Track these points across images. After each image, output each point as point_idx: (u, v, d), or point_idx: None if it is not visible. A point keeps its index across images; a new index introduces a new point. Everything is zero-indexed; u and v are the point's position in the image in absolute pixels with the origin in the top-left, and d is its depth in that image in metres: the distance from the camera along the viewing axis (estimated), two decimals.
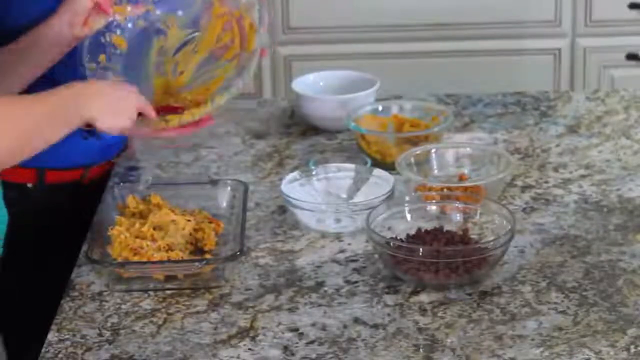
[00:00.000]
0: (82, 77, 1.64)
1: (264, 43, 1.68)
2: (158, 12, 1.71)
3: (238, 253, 1.54)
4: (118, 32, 1.69)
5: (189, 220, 1.61)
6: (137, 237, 1.57)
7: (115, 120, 1.50)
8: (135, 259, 1.53)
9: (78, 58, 1.66)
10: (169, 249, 1.56)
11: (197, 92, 1.68)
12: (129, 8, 1.67)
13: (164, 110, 1.61)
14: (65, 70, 1.66)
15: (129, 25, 1.70)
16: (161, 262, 1.53)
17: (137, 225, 1.59)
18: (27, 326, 1.73)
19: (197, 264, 1.53)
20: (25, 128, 1.40)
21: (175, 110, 1.61)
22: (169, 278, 1.54)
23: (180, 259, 1.55)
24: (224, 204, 1.70)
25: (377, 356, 1.38)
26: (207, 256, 1.59)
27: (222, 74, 1.66)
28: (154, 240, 1.57)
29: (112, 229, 1.57)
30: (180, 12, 1.72)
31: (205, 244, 1.61)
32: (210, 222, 1.63)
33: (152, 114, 1.55)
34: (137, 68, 1.69)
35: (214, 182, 1.73)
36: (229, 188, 1.71)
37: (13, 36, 1.64)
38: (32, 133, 1.41)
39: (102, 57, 1.67)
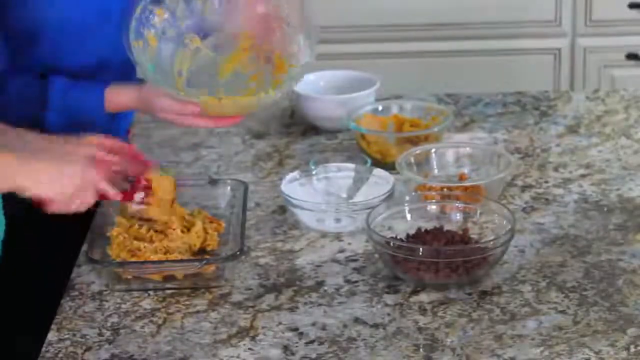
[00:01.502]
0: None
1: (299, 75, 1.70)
2: (188, 23, 1.71)
3: (238, 253, 1.54)
4: (152, 31, 1.68)
5: (187, 228, 1.60)
6: (135, 238, 1.57)
7: (53, 188, 1.45)
8: (133, 259, 1.53)
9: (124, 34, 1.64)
10: (167, 251, 1.56)
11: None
12: None
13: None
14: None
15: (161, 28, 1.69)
16: (160, 262, 1.53)
17: (136, 226, 1.59)
18: (29, 326, 1.73)
19: (196, 264, 1.53)
20: None
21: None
22: (167, 278, 1.54)
23: (179, 259, 1.55)
24: (224, 204, 1.70)
25: (377, 356, 1.38)
26: (207, 256, 1.59)
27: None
28: (151, 242, 1.56)
29: (112, 229, 1.57)
30: (208, 35, 1.71)
31: (208, 244, 1.61)
32: (211, 222, 1.63)
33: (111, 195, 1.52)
34: (164, 73, 1.69)
35: (213, 182, 1.73)
36: (228, 188, 1.71)
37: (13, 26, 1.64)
38: None
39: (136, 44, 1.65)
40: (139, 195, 1.58)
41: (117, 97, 1.71)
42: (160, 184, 1.60)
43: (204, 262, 1.53)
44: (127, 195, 1.58)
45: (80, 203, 1.49)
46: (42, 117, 1.70)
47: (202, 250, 1.61)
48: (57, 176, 1.46)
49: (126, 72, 1.78)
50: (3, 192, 1.47)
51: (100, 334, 1.45)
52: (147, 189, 1.59)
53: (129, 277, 1.53)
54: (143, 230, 1.58)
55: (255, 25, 1.70)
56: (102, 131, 1.61)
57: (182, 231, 1.60)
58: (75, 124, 1.68)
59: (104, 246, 1.57)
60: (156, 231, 1.59)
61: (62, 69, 1.72)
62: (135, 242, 1.56)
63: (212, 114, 1.65)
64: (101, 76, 1.75)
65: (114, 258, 1.55)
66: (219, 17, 1.72)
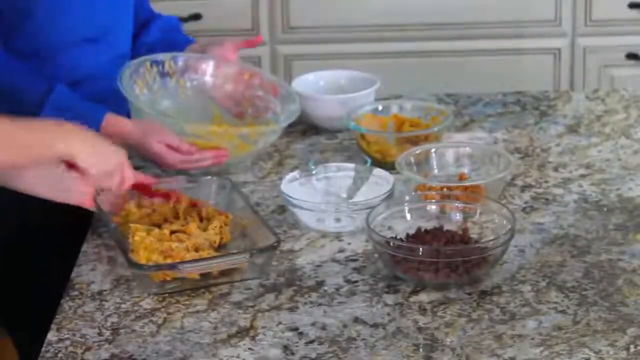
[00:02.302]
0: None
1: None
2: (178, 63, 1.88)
3: (276, 244, 1.53)
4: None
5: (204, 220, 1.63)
6: (159, 240, 1.56)
7: (98, 160, 1.48)
8: (168, 260, 1.52)
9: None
10: (197, 248, 1.56)
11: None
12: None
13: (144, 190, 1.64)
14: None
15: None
16: (215, 257, 1.53)
17: (157, 230, 1.59)
18: (30, 327, 1.73)
19: (245, 256, 1.52)
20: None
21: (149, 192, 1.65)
22: (203, 276, 1.53)
23: (227, 253, 1.55)
24: (212, 202, 1.69)
25: (377, 355, 1.38)
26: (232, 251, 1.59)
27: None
28: (180, 241, 1.56)
29: (132, 236, 1.56)
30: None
31: (222, 238, 1.61)
32: (220, 215, 1.64)
33: (129, 181, 1.55)
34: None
35: (194, 180, 1.72)
36: (214, 186, 1.71)
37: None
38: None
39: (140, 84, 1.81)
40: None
41: (115, 125, 1.72)
42: None
43: (252, 252, 1.52)
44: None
45: (118, 182, 1.51)
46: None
47: (220, 246, 1.61)
48: (100, 149, 1.48)
49: (124, 41, 1.81)
50: (44, 163, 1.45)
51: (100, 334, 1.44)
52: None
53: (168, 278, 1.52)
54: (165, 231, 1.59)
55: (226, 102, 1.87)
56: None
57: (199, 227, 1.61)
58: None
59: (126, 253, 1.54)
60: (173, 232, 1.59)
61: (57, 42, 1.72)
62: (165, 243, 1.55)
63: (209, 147, 1.74)
64: (99, 49, 1.75)
65: (145, 262, 1.53)
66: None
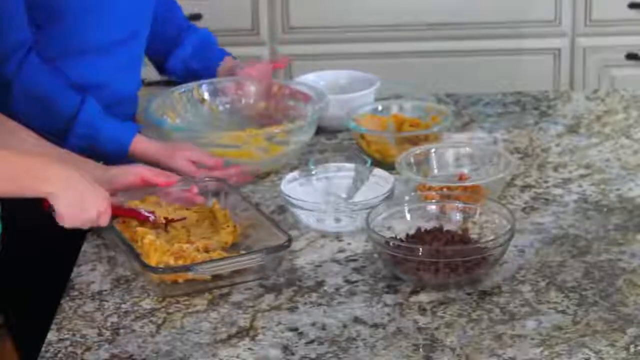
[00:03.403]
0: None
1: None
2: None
3: (287, 243, 1.53)
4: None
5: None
6: (168, 241, 1.56)
7: (74, 211, 1.49)
8: (180, 262, 1.52)
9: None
10: (207, 249, 1.56)
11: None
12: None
13: (125, 214, 1.63)
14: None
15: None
16: (228, 258, 1.53)
17: (163, 233, 1.60)
18: (28, 326, 1.73)
19: (259, 255, 1.52)
20: None
21: (138, 216, 1.63)
22: (215, 277, 1.52)
23: (240, 253, 1.55)
24: (209, 202, 1.69)
25: (376, 356, 1.38)
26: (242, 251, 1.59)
27: None
28: (190, 242, 1.57)
29: (140, 240, 1.56)
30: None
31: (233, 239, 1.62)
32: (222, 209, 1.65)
33: (105, 220, 1.54)
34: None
35: (186, 183, 1.71)
36: (211, 187, 1.71)
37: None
38: None
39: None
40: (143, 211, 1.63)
41: (142, 145, 1.76)
42: None
43: (264, 252, 1.52)
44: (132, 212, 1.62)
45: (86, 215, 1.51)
46: (62, 134, 1.73)
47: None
48: (81, 198, 1.49)
49: (141, 45, 1.85)
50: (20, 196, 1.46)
51: (100, 334, 1.44)
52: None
53: (180, 280, 1.51)
54: (174, 233, 1.59)
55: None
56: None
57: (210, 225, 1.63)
58: (90, 150, 1.73)
59: (136, 258, 1.54)
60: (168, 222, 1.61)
61: (88, 44, 1.73)
62: (176, 244, 1.55)
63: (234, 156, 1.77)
64: (129, 49, 1.78)
65: (156, 265, 1.52)
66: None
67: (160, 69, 2.02)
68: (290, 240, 1.55)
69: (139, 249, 1.54)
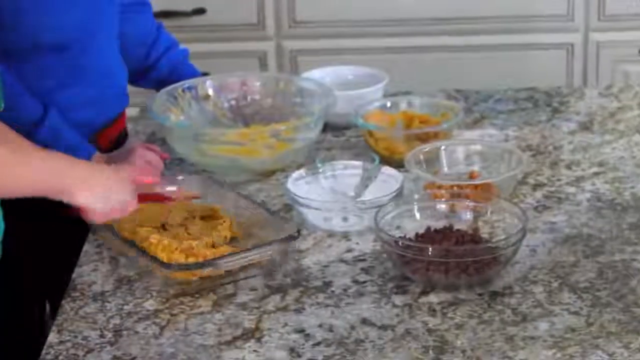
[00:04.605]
0: None
1: None
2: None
3: (297, 234, 1.54)
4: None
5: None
6: (173, 238, 1.56)
7: (101, 207, 1.47)
8: (191, 259, 1.52)
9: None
10: (213, 245, 1.56)
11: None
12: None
13: (150, 199, 1.61)
14: None
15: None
16: (248, 250, 1.52)
17: (164, 232, 1.59)
18: (29, 327, 1.72)
19: (269, 249, 1.52)
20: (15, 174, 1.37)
21: (162, 199, 1.63)
22: (227, 273, 1.52)
23: (247, 248, 1.54)
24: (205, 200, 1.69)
25: (385, 358, 1.37)
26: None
27: None
28: (197, 239, 1.56)
29: (144, 241, 1.55)
30: None
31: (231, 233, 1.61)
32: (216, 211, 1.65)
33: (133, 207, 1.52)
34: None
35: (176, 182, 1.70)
36: (204, 183, 1.71)
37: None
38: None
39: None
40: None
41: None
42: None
43: (271, 245, 1.52)
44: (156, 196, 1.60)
45: (120, 211, 1.50)
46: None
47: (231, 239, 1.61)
48: (106, 190, 1.47)
49: (110, 35, 1.80)
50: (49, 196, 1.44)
51: (101, 336, 1.43)
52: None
53: (194, 277, 1.51)
54: (174, 231, 1.59)
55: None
56: None
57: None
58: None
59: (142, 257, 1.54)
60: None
61: (47, 42, 1.71)
62: (184, 241, 1.54)
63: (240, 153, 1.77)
64: (86, 48, 1.75)
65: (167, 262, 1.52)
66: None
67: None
68: (299, 230, 1.55)
69: (146, 249, 1.54)
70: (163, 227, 1.61)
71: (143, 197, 1.56)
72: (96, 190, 1.46)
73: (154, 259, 1.51)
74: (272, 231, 1.57)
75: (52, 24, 1.71)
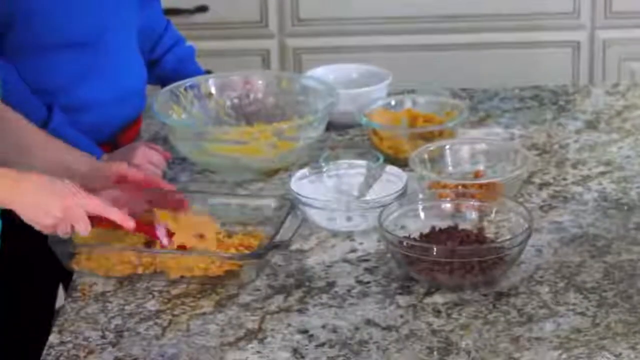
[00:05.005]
0: None
1: None
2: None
3: (299, 227, 1.54)
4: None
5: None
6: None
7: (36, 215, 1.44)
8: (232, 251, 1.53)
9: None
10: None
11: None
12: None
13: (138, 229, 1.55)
14: None
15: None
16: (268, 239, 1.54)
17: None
18: (29, 328, 1.72)
19: (269, 246, 1.53)
20: None
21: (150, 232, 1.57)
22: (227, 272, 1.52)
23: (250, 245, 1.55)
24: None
25: (389, 359, 1.36)
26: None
27: None
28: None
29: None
30: None
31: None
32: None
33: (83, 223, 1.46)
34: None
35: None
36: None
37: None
38: None
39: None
40: (161, 230, 1.55)
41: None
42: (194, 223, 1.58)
43: (272, 246, 1.52)
44: (148, 230, 1.55)
45: (66, 228, 1.46)
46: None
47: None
48: (37, 206, 1.44)
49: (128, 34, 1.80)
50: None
51: (103, 337, 1.43)
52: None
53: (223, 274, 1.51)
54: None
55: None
56: None
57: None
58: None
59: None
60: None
61: (57, 44, 1.70)
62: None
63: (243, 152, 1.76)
64: (101, 47, 1.74)
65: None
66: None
67: None
68: (299, 226, 1.56)
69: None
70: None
71: (139, 227, 1.51)
72: (26, 203, 1.42)
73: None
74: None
75: (68, 22, 1.70)
